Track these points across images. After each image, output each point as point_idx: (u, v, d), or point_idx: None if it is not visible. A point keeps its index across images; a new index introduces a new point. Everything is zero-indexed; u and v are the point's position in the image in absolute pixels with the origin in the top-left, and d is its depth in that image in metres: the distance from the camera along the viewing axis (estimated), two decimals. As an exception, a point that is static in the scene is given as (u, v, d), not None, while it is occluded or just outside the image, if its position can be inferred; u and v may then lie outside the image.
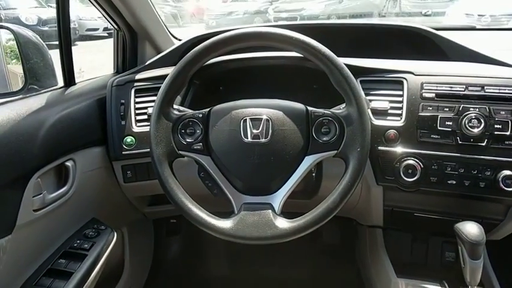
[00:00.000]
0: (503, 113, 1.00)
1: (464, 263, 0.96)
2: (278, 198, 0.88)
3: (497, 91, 1.02)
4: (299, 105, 0.92)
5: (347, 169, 0.86)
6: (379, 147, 1.05)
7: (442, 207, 1.12)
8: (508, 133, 0.99)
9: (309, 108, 0.91)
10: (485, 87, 1.02)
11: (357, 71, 1.10)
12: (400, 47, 1.31)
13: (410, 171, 1.03)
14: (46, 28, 5.68)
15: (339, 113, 0.88)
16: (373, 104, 1.07)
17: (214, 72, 1.16)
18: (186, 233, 1.73)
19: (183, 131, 0.91)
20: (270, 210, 0.85)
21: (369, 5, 8.82)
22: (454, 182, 1.02)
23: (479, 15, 6.40)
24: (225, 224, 0.85)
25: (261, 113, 0.89)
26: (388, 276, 1.14)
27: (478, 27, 1.79)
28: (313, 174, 1.08)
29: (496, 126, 0.99)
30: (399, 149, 1.04)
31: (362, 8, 8.64)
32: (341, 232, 1.69)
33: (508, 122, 0.99)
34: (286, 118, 0.89)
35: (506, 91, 1.01)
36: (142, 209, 1.33)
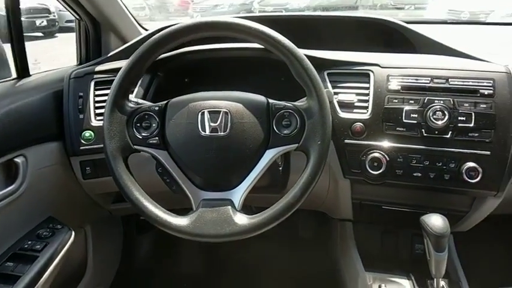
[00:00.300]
0: (467, 105, 0.99)
1: (430, 256, 0.96)
2: (238, 194, 0.85)
3: (461, 83, 1.01)
4: (260, 98, 0.89)
5: (308, 163, 0.84)
6: (346, 140, 1.04)
7: (409, 200, 1.11)
8: (471, 125, 0.98)
9: (270, 100, 0.89)
10: (450, 80, 1.02)
11: (324, 63, 1.09)
12: (370, 40, 1.30)
13: (376, 164, 1.02)
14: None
15: (300, 106, 0.86)
16: (340, 97, 1.06)
17: (179, 64, 1.13)
18: (158, 230, 1.69)
19: (138, 124, 0.87)
20: (229, 207, 0.83)
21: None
22: (420, 175, 1.02)
23: (458, 10, 6.48)
24: (182, 221, 0.82)
25: (219, 105, 0.86)
26: (356, 269, 1.13)
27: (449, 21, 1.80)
28: (280, 168, 1.06)
29: (459, 118, 0.99)
30: (365, 142, 1.03)
31: (347, 1, 8.65)
32: (316, 226, 1.68)
33: (471, 114, 0.98)
34: (246, 111, 0.86)
35: (470, 83, 1.00)
36: (106, 206, 1.29)
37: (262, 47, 0.88)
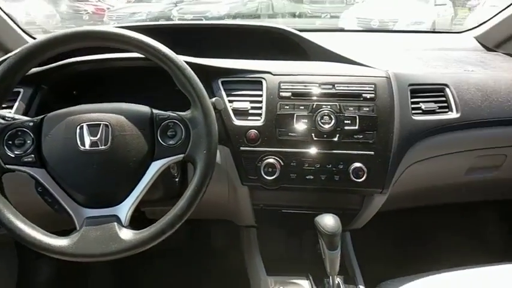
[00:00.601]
0: (352, 109, 1.05)
1: (324, 254, 1.00)
2: (124, 209, 0.82)
3: (346, 88, 1.07)
4: (143, 108, 0.87)
5: (195, 173, 0.83)
6: (242, 148, 1.05)
7: (305, 202, 1.15)
8: (356, 128, 1.04)
9: (155, 111, 0.87)
10: (336, 85, 1.07)
11: (218, 71, 1.09)
12: (267, 48, 1.33)
13: (270, 169, 1.04)
14: None
15: (184, 116, 0.85)
16: (235, 105, 1.07)
17: (64, 76, 1.07)
18: None
19: (10, 142, 0.81)
20: (115, 223, 0.80)
21: (272, 7, 9.11)
22: (312, 177, 1.05)
23: (368, 18, 6.97)
24: (63, 242, 0.77)
25: (99, 118, 0.83)
26: (259, 274, 1.14)
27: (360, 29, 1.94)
28: (176, 180, 1.04)
29: (345, 121, 1.04)
30: (260, 149, 1.05)
31: (267, 9, 8.89)
32: (227, 234, 1.68)
33: (355, 117, 1.04)
34: (128, 122, 0.84)
35: (354, 88, 1.07)
36: None
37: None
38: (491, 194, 1.51)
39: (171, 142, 0.84)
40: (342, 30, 1.91)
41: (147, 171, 0.83)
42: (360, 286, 1.09)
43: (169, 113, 0.86)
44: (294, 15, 8.91)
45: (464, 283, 1.05)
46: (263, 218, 1.20)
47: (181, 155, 0.84)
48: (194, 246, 1.63)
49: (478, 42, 1.66)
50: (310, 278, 1.09)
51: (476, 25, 1.73)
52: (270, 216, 1.19)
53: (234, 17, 8.32)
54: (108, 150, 0.81)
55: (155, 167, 0.84)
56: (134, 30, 0.84)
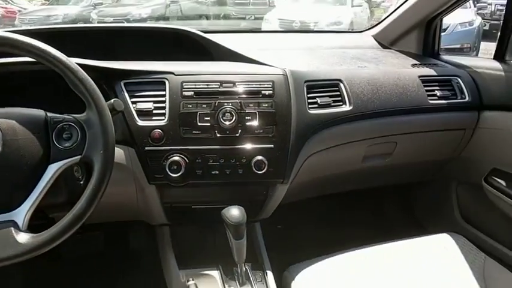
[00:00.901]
0: (252, 105, 1.11)
1: (231, 244, 1.05)
2: (22, 214, 0.81)
3: (246, 86, 1.12)
4: (37, 112, 0.86)
5: (93, 173, 0.84)
6: (146, 148, 1.07)
7: (214, 197, 1.19)
8: (256, 123, 1.10)
9: (49, 114, 0.86)
10: (237, 83, 1.12)
11: (120, 74, 1.10)
12: (176, 50, 1.35)
13: (175, 167, 1.07)
14: None
15: (80, 117, 0.86)
16: (138, 106, 1.08)
17: None
18: None
19: None
20: (12, 228, 0.78)
21: (196, 9, 9.09)
22: (217, 172, 1.10)
23: (290, 20, 7.23)
24: None
25: None
26: (171, 270, 1.17)
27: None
28: (81, 182, 1.03)
29: (246, 118, 1.10)
30: (164, 148, 1.07)
31: (189, 11, 8.86)
32: (144, 235, 1.68)
33: (256, 113, 1.10)
34: (20, 127, 0.82)
35: (253, 86, 1.13)
36: None
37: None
38: (388, 179, 1.67)
39: (67, 144, 0.84)
40: (259, 31, 1.98)
41: (44, 175, 0.82)
42: (267, 271, 1.15)
43: (64, 115, 0.86)
44: (219, 17, 8.99)
45: (368, 259, 1.16)
46: (174, 216, 1.22)
47: (78, 157, 0.84)
48: (112, 250, 1.61)
49: (376, 40, 1.81)
50: (221, 268, 1.13)
51: (375, 24, 1.88)
52: (181, 213, 1.22)
53: (157, 19, 8.20)
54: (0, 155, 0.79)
55: (52, 170, 0.83)
56: (28, 35, 0.83)
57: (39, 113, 0.86)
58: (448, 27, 5.85)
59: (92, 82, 0.85)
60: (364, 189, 1.70)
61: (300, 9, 7.88)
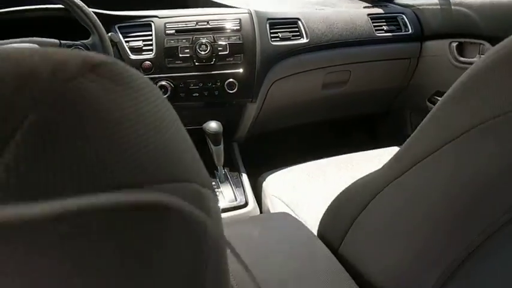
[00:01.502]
0: (223, 38, 1.36)
1: (212, 150, 1.32)
2: None
3: (218, 23, 1.37)
4: (52, 40, 1.11)
5: None
6: None
7: (198, 118, 1.45)
8: (227, 52, 1.35)
9: (63, 41, 1.12)
10: (210, 22, 1.37)
11: (114, 18, 1.34)
12: (156, 1, 1.59)
13: (163, 90, 1.33)
14: None
15: (86, 42, 1.11)
16: (131, 44, 1.33)
17: None
18: None
19: None
20: None
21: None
22: (197, 94, 1.36)
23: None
24: None
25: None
26: None
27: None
28: None
29: (219, 48, 1.35)
30: (154, 76, 1.33)
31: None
32: None
33: (227, 44, 1.35)
34: None
35: (224, 23, 1.38)
36: None
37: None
38: (349, 109, 1.93)
39: None
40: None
41: None
42: (242, 174, 1.42)
43: (74, 42, 1.11)
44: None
45: (335, 166, 1.34)
46: None
47: None
48: None
49: None
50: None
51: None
52: None
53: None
54: None
55: None
56: None
57: (54, 40, 1.11)
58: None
59: (94, 15, 1.11)
60: (333, 122, 1.96)
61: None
